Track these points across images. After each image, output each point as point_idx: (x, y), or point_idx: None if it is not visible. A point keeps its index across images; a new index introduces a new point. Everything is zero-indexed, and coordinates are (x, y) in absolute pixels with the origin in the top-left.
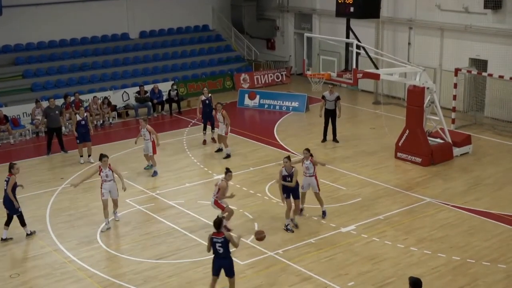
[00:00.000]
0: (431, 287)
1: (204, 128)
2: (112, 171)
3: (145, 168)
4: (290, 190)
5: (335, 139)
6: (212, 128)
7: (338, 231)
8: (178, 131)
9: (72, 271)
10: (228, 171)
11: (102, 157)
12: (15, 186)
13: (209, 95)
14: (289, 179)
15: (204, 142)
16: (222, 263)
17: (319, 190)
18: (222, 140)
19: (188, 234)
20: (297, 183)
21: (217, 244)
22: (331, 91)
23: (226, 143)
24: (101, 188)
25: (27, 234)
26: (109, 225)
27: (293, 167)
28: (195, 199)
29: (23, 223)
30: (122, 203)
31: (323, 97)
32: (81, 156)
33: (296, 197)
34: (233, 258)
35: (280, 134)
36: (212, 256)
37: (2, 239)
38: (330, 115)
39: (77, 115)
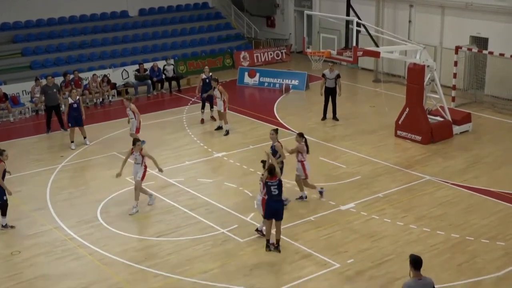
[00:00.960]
0: (430, 265)
1: (202, 107)
2: (142, 156)
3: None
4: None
5: (335, 117)
6: (211, 107)
7: (337, 209)
8: (177, 109)
9: (72, 248)
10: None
11: (136, 141)
12: (4, 173)
13: (210, 74)
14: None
15: (202, 120)
16: (277, 205)
17: (305, 177)
18: (222, 116)
19: (188, 212)
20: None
21: (272, 187)
22: (331, 69)
23: (226, 119)
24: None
25: (2, 226)
26: (135, 209)
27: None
28: (195, 177)
29: (4, 213)
30: (123, 181)
31: (323, 75)
32: (72, 141)
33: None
34: (233, 236)
35: (280, 112)
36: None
37: (2, 226)
38: (330, 93)
39: (69, 98)
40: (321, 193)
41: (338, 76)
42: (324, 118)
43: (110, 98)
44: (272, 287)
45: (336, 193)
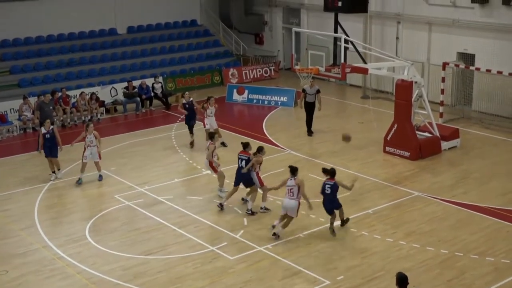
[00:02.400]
0: (420, 280)
1: (191, 131)
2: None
3: (78, 182)
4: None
5: (309, 132)
6: (190, 130)
7: (327, 225)
8: (166, 127)
9: (61, 267)
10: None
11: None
12: None
13: (191, 99)
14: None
15: (192, 144)
16: (332, 205)
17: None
18: (218, 132)
19: (177, 230)
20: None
21: (327, 186)
22: (312, 84)
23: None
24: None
25: None
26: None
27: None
28: (184, 194)
29: None
30: (110, 199)
31: (304, 90)
32: (52, 172)
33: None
34: (222, 253)
35: (268, 129)
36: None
37: None
38: (310, 107)
39: (42, 127)
40: (243, 199)
41: (318, 91)
42: (309, 133)
43: (99, 116)
44: None
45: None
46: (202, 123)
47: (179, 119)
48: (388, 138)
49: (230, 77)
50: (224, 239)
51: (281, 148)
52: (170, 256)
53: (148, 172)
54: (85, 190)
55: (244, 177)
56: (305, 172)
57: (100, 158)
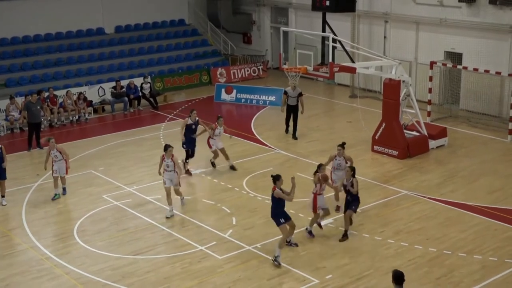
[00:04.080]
0: (408, 279)
1: (187, 157)
2: (174, 162)
3: (53, 199)
4: None
5: (294, 136)
6: (191, 156)
7: (315, 225)
8: (154, 126)
9: (49, 268)
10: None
11: (167, 147)
12: None
13: (197, 118)
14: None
15: (188, 172)
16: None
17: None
18: (224, 153)
19: (166, 230)
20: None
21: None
22: (294, 87)
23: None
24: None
25: None
26: (172, 212)
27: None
28: (172, 194)
29: None
30: (98, 199)
31: (285, 92)
32: (2, 196)
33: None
34: (211, 253)
35: (257, 128)
36: None
37: None
38: (292, 110)
39: None
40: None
41: (300, 94)
42: (287, 131)
43: (87, 116)
44: None
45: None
46: (208, 145)
47: (167, 118)
48: (376, 137)
49: (218, 76)
50: (213, 239)
51: (270, 147)
52: (159, 256)
53: (136, 172)
54: (73, 191)
55: None
56: (294, 170)
57: (66, 173)
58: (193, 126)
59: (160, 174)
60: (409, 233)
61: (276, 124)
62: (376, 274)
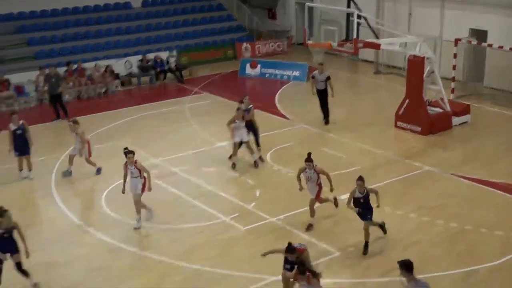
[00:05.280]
0: (429, 253)
1: (237, 146)
2: (138, 169)
3: (65, 174)
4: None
5: (327, 121)
6: (258, 145)
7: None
8: (180, 99)
9: (78, 235)
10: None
11: (127, 153)
12: None
13: (251, 105)
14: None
15: (234, 165)
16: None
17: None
18: (249, 147)
19: (191, 200)
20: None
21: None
22: (321, 70)
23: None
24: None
25: None
26: (139, 223)
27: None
28: (198, 166)
29: None
30: None
31: (313, 76)
32: (21, 170)
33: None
34: (235, 224)
35: (280, 103)
36: None
37: None
38: (320, 95)
39: (11, 124)
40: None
41: (328, 78)
42: (326, 122)
43: (114, 88)
44: (274, 273)
45: (336, 183)
46: (231, 134)
47: (193, 92)
48: (400, 113)
49: (243, 51)
50: (237, 210)
51: (293, 121)
52: (184, 225)
53: (163, 144)
54: (100, 161)
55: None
56: (317, 145)
57: (85, 155)
58: (247, 113)
59: (123, 192)
60: (430, 208)
61: (300, 99)
62: (398, 248)
